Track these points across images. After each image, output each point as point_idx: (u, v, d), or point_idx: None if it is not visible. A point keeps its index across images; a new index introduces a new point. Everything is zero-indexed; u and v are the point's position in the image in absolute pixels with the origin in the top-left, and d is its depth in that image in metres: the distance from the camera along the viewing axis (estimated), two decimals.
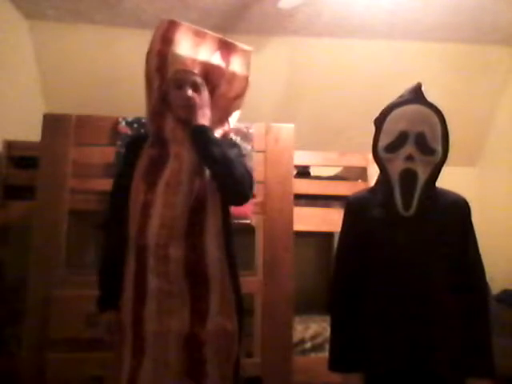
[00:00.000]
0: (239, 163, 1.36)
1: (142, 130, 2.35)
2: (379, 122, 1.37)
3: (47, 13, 2.97)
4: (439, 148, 1.31)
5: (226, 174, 1.33)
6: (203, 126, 1.34)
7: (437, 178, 1.34)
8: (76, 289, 2.19)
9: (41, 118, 2.30)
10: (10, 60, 2.91)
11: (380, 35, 3.19)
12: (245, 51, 1.48)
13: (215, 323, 1.31)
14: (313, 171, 2.97)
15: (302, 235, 2.59)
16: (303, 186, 2.60)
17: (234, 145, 1.48)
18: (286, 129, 2.44)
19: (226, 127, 1.47)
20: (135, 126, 2.40)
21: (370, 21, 3.01)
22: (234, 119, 1.51)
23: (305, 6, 2.77)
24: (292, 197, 2.40)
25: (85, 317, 2.10)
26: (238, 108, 1.51)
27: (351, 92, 3.36)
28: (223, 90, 1.42)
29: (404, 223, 1.31)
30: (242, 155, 1.45)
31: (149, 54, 1.40)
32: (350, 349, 1.34)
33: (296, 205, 2.43)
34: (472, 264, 1.35)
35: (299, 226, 2.43)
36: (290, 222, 2.37)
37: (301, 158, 2.63)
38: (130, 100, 3.19)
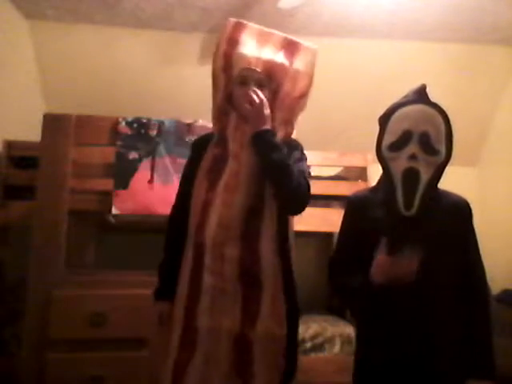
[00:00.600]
0: (297, 171, 1.35)
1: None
2: (383, 121, 1.37)
3: (47, 13, 2.97)
4: (443, 149, 1.30)
5: (281, 182, 1.33)
6: (265, 131, 1.33)
7: (439, 178, 1.33)
8: (76, 289, 2.20)
9: (41, 118, 2.29)
10: (10, 60, 2.91)
11: (380, 35, 3.19)
12: (309, 49, 1.49)
13: (265, 326, 1.31)
14: (313, 171, 2.97)
15: (302, 235, 2.58)
16: None
17: (296, 147, 1.46)
18: None
19: (289, 128, 1.46)
20: (135, 125, 2.40)
21: (370, 21, 3.01)
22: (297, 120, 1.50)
23: (305, 6, 2.77)
24: None
25: (85, 317, 2.11)
26: (302, 109, 1.49)
27: (351, 92, 3.36)
28: (287, 88, 1.42)
29: (405, 222, 1.31)
30: (302, 159, 1.44)
31: (215, 55, 1.43)
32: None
33: None
34: (473, 264, 1.35)
35: (299, 226, 2.40)
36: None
37: None
38: (130, 100, 3.21)
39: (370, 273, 1.25)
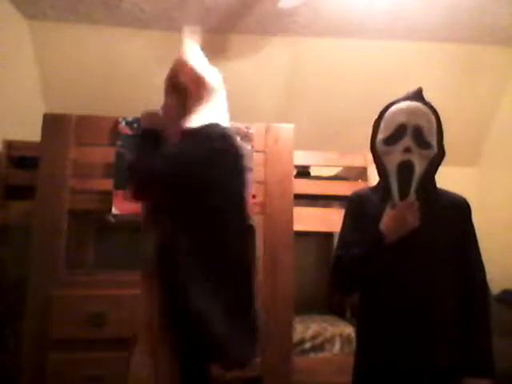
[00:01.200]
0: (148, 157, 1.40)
1: None
2: (378, 118, 1.42)
3: (47, 13, 2.97)
4: (434, 143, 1.34)
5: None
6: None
7: (434, 173, 1.36)
8: (76, 289, 2.20)
9: (41, 118, 2.30)
10: (10, 60, 2.91)
11: (380, 35, 3.19)
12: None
13: (148, 316, 1.45)
14: (313, 171, 2.98)
15: (302, 235, 2.59)
16: (303, 186, 2.61)
17: (195, 133, 1.44)
18: (286, 129, 2.44)
19: (191, 116, 1.48)
20: (135, 126, 2.40)
21: (370, 21, 3.01)
22: (220, 100, 1.52)
23: (305, 6, 2.77)
24: (292, 197, 2.40)
25: (85, 316, 2.11)
26: (201, 97, 1.49)
27: (351, 92, 3.36)
28: (185, 81, 1.52)
29: None
30: (191, 143, 1.43)
31: None
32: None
33: (296, 205, 2.43)
34: (472, 263, 1.36)
35: (299, 225, 2.43)
36: (290, 222, 2.37)
37: (301, 158, 2.63)
38: (129, 100, 3.20)
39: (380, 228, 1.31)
